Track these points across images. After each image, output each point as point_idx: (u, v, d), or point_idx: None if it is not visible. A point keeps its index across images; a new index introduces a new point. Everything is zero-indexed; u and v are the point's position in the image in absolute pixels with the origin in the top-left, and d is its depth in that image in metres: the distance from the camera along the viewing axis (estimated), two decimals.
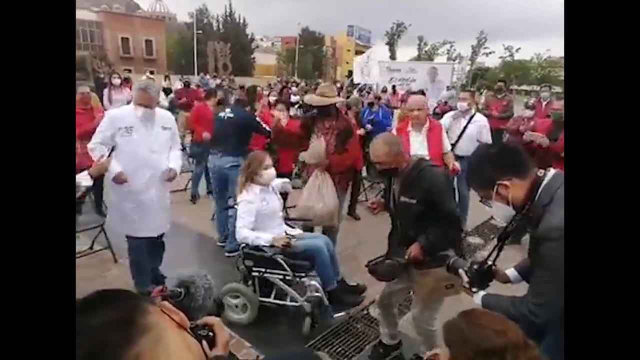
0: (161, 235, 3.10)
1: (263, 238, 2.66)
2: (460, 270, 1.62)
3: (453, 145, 4.41)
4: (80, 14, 39.23)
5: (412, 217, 2.08)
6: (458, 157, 4.30)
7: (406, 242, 2.14)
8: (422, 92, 7.90)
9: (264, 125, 4.00)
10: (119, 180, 2.66)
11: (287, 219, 3.11)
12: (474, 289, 1.56)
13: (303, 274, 2.69)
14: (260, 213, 2.74)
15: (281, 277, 2.72)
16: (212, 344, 0.86)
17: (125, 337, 0.60)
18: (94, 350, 0.58)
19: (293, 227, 3.06)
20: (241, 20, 48.65)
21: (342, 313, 2.76)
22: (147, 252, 3.01)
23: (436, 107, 10.28)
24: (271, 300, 2.84)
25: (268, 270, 2.72)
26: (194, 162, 5.46)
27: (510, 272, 1.68)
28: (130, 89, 8.86)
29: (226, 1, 59.79)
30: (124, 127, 2.66)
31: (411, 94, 8.37)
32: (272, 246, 2.64)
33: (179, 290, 1.23)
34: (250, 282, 2.81)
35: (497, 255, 1.58)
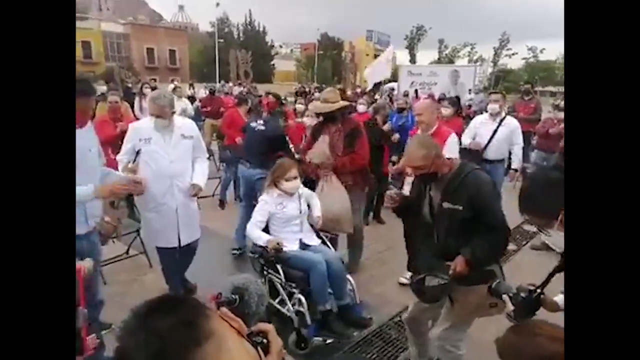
0: (189, 244, 3.08)
1: (263, 238, 2.69)
2: (505, 296, 1.52)
3: (483, 148, 4.33)
4: (109, 27, 40.78)
5: (457, 226, 1.92)
6: (488, 162, 4.23)
7: (446, 254, 1.97)
8: (458, 98, 7.77)
9: (291, 146, 4.02)
10: (138, 190, 2.62)
11: (321, 230, 3.06)
12: (516, 317, 1.45)
13: (294, 284, 2.64)
14: (275, 216, 2.79)
15: (279, 281, 2.70)
16: (266, 351, 0.86)
17: (192, 340, 0.62)
18: (164, 349, 0.60)
19: (324, 237, 3.02)
20: (261, 28, 49.45)
21: (320, 339, 2.60)
22: (176, 259, 3.05)
23: (461, 110, 10.10)
24: (275, 303, 2.79)
25: (271, 273, 2.76)
26: (223, 167, 5.55)
27: (561, 299, 1.52)
28: None
29: (246, 10, 60.91)
30: (143, 138, 2.73)
31: (440, 100, 8.27)
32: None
33: (233, 297, 1.25)
34: (263, 281, 2.83)
35: (547, 283, 1.46)
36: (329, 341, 2.61)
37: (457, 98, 7.60)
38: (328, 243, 3.00)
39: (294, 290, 2.65)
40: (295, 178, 2.80)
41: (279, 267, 2.67)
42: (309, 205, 2.99)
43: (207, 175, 3.08)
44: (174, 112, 2.84)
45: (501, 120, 4.32)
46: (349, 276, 2.81)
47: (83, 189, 1.97)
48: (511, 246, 4.38)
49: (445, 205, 1.94)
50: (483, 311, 1.93)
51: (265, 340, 0.87)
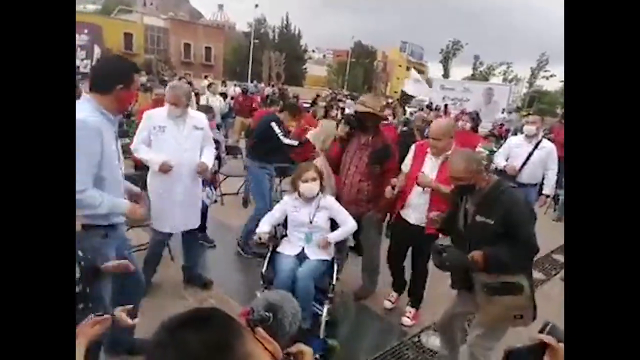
0: (194, 233, 3.17)
1: (261, 227, 2.73)
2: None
3: (517, 171, 4.19)
4: (150, 20, 42.15)
5: (487, 239, 1.95)
6: (521, 185, 4.08)
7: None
8: (477, 114, 7.57)
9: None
10: (165, 168, 2.77)
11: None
12: None
13: (263, 282, 2.64)
14: (289, 217, 2.80)
15: (296, 302, 2.63)
16: None
17: None
18: None
19: (333, 259, 2.77)
20: (296, 32, 50.06)
21: None
22: (164, 247, 3.16)
23: (493, 128, 9.89)
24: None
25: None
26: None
27: None
28: (196, 94, 9.35)
29: (283, 12, 61.86)
30: (157, 126, 2.82)
31: (466, 114, 8.09)
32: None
33: (267, 314, 1.20)
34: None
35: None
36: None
37: (477, 114, 7.40)
38: (335, 265, 2.73)
39: (264, 287, 2.62)
40: (313, 180, 2.68)
41: (265, 261, 2.71)
42: (333, 221, 2.79)
43: (213, 160, 3.17)
44: (188, 105, 2.92)
45: (537, 143, 4.17)
46: (325, 306, 2.54)
47: (122, 203, 1.96)
48: (540, 275, 4.20)
49: (479, 218, 1.98)
50: (508, 322, 1.95)
51: None
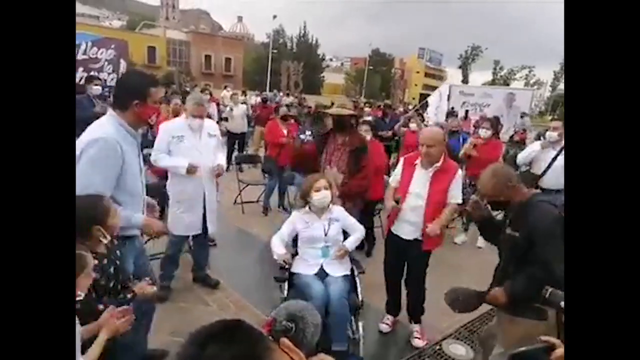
0: (205, 235, 3.26)
1: (277, 251, 2.55)
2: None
3: (539, 177, 4.10)
4: (172, 34, 43.50)
5: (514, 253, 1.92)
6: (543, 190, 3.99)
7: (505, 281, 1.95)
8: (497, 119, 7.45)
9: None
10: (193, 170, 2.93)
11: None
12: None
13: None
14: (300, 235, 2.66)
15: (317, 312, 2.52)
16: None
17: None
18: None
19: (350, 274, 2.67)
20: (313, 41, 50.58)
21: None
22: (195, 250, 3.29)
23: (514, 134, 9.71)
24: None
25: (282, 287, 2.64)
26: (266, 176, 5.66)
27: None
28: (217, 104, 9.56)
29: (301, 22, 62.65)
30: (176, 136, 2.98)
31: (486, 120, 7.96)
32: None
33: (290, 325, 1.22)
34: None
35: None
36: None
37: (497, 119, 7.24)
38: (357, 278, 2.66)
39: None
40: (325, 189, 2.58)
41: (285, 285, 2.55)
42: (345, 232, 2.72)
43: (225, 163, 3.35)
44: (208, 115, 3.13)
45: (561, 149, 4.08)
46: (360, 323, 2.51)
47: (138, 217, 1.99)
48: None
49: (508, 231, 1.94)
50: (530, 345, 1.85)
51: None
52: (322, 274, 2.55)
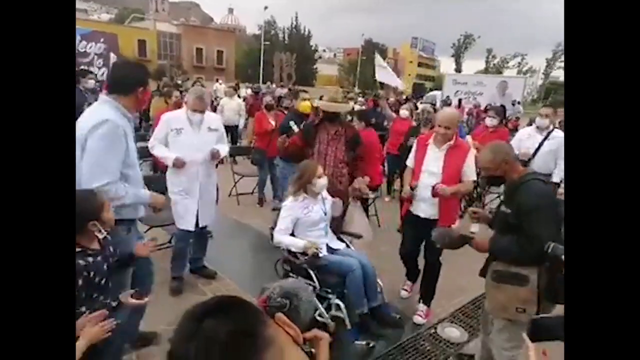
0: (203, 227, 3.30)
1: (295, 244, 2.62)
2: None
3: (528, 161, 4.18)
4: (163, 27, 42.91)
5: (504, 229, 2.01)
6: None
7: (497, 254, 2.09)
8: (504, 107, 7.48)
9: None
10: (179, 163, 2.92)
11: (341, 233, 3.00)
12: None
13: (330, 290, 2.59)
14: (300, 222, 2.71)
15: (311, 288, 2.56)
16: None
17: (252, 349, 0.60)
18: (224, 358, 0.58)
19: (343, 241, 2.93)
20: (306, 32, 50.20)
21: (363, 343, 2.58)
22: (189, 242, 3.28)
23: (507, 121, 9.78)
24: None
25: (300, 279, 2.60)
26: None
27: None
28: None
29: (293, 13, 62.06)
30: (175, 128, 2.97)
31: (486, 110, 7.99)
32: (303, 254, 2.59)
33: (284, 301, 1.25)
34: None
35: None
36: (372, 344, 2.61)
37: (503, 107, 7.30)
38: (351, 246, 2.92)
39: (329, 295, 2.60)
40: (323, 175, 2.74)
41: (311, 272, 2.57)
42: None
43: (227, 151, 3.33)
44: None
45: (548, 133, 4.15)
46: (377, 278, 2.78)
47: (145, 193, 2.17)
48: None
49: (502, 208, 2.06)
50: (510, 312, 1.97)
51: (312, 350, 0.84)
52: (331, 251, 2.74)
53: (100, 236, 1.67)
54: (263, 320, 0.65)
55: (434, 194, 2.69)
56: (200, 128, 3.03)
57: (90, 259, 1.62)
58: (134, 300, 1.75)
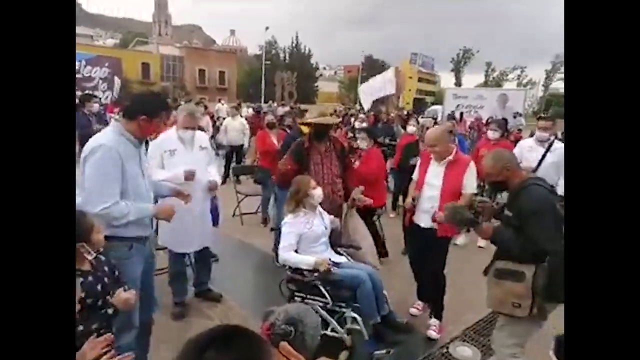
0: (206, 248, 3.25)
1: (304, 262, 2.59)
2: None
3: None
4: (166, 50, 43.79)
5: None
6: None
7: (502, 256, 2.16)
8: (505, 120, 7.51)
9: None
10: (189, 176, 2.87)
11: (338, 246, 2.98)
12: None
13: (343, 304, 2.58)
14: (302, 237, 2.70)
15: (322, 304, 2.61)
16: None
17: None
18: None
19: (341, 254, 2.92)
20: (306, 51, 51.02)
21: (383, 351, 2.58)
22: (184, 264, 3.23)
23: (509, 134, 9.78)
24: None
25: (309, 297, 2.63)
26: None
27: None
28: (211, 117, 9.58)
29: (293, 33, 63.28)
30: (168, 150, 2.93)
31: (487, 123, 8.01)
32: (312, 271, 2.57)
33: (289, 328, 1.17)
34: None
35: None
36: (391, 351, 2.62)
37: (505, 120, 7.32)
38: (350, 258, 2.91)
39: (344, 309, 2.59)
40: (317, 186, 2.79)
41: (322, 289, 2.56)
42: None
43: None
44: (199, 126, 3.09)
45: (549, 145, 4.13)
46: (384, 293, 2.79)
47: (148, 207, 2.13)
48: None
49: (506, 212, 2.15)
50: (506, 306, 2.06)
51: None
52: (335, 265, 2.72)
53: (90, 257, 1.66)
54: (267, 350, 0.64)
55: (434, 219, 2.80)
56: (193, 147, 3.01)
57: (81, 279, 1.62)
58: (125, 294, 1.71)
